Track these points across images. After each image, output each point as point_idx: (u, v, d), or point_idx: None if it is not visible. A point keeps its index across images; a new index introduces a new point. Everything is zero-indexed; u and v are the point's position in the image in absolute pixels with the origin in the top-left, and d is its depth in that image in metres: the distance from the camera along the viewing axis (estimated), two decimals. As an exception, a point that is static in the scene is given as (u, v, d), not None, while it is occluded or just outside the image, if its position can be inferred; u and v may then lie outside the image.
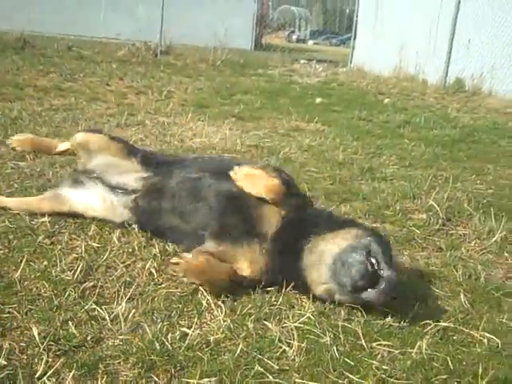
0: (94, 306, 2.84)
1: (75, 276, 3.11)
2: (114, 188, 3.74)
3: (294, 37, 59.55)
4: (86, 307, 2.82)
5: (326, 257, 2.97)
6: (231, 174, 3.33)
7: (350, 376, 2.51)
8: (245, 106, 9.26)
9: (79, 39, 15.91)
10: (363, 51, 20.90)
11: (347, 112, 9.67)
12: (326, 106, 10.36)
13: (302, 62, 20.19)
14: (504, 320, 3.08)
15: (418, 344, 2.76)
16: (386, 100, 11.72)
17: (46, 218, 3.77)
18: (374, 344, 2.78)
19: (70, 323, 2.67)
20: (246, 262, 3.17)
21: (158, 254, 3.47)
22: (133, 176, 3.74)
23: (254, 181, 3.27)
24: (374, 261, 2.87)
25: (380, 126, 8.71)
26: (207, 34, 17.10)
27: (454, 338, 2.91)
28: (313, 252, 3.05)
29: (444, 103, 12.16)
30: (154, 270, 3.28)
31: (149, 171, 3.74)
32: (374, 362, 2.62)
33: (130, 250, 3.52)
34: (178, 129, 7.08)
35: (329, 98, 11.18)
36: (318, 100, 10.81)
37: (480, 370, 2.56)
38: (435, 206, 4.73)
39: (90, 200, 3.79)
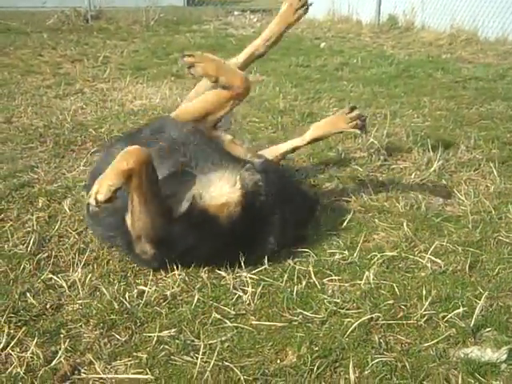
0: (51, 276, 2.89)
1: (28, 249, 3.16)
2: None
3: (227, -12, 58.73)
4: (43, 277, 2.87)
5: None
6: None
7: (304, 312, 2.63)
8: (183, 65, 9.17)
9: (3, 11, 15.32)
10: (296, -3, 20.71)
11: (285, 60, 9.67)
12: (264, 55, 10.33)
13: (236, 13, 19.94)
14: (445, 243, 3.25)
15: (366, 275, 2.90)
16: (323, 44, 11.73)
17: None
18: (325, 280, 2.91)
19: (28, 294, 2.72)
20: None
21: (109, 219, 3.52)
22: None
23: None
24: None
25: (318, 70, 8.75)
26: (137, -6, 16.71)
27: (400, 265, 3.06)
28: None
29: (379, 41, 12.24)
30: (106, 235, 3.33)
31: None
32: (326, 296, 2.75)
33: (81, 217, 3.57)
34: (117, 94, 7.02)
35: (266, 48, 11.13)
36: (255, 50, 10.77)
37: (424, 292, 2.71)
38: (376, 143, 4.87)
39: None
